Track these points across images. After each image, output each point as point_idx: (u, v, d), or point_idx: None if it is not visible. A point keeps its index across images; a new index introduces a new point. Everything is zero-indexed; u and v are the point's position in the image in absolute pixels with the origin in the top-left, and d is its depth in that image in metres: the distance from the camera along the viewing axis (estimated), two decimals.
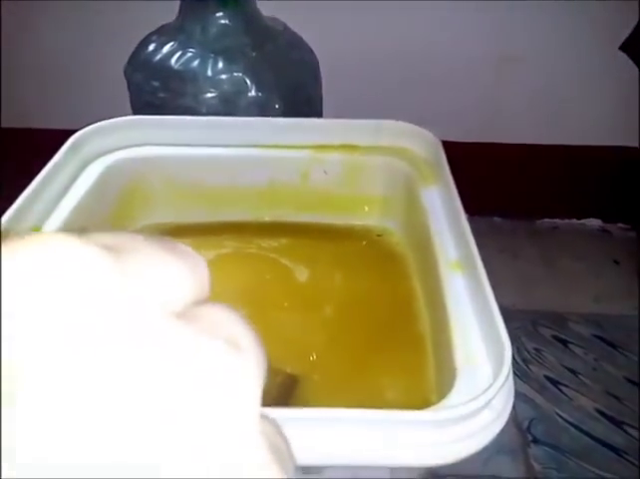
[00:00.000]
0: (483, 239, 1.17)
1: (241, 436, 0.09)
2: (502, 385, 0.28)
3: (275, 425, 0.12)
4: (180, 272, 0.11)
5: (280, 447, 0.11)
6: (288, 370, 0.37)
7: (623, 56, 0.88)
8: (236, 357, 0.10)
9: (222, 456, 0.09)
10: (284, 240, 0.56)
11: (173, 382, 0.09)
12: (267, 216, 0.57)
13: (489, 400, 0.28)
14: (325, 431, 0.28)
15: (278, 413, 0.28)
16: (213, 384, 0.09)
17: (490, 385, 0.27)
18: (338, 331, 0.46)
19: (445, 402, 0.29)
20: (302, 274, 0.52)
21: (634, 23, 0.85)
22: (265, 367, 0.11)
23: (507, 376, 0.28)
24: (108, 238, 0.10)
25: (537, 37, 0.94)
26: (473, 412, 0.27)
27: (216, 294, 0.41)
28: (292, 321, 0.46)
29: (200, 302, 0.11)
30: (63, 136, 0.50)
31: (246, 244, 0.55)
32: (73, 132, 0.50)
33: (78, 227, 0.45)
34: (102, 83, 0.91)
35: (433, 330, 0.43)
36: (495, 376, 0.28)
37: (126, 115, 0.55)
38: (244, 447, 0.09)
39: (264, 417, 0.11)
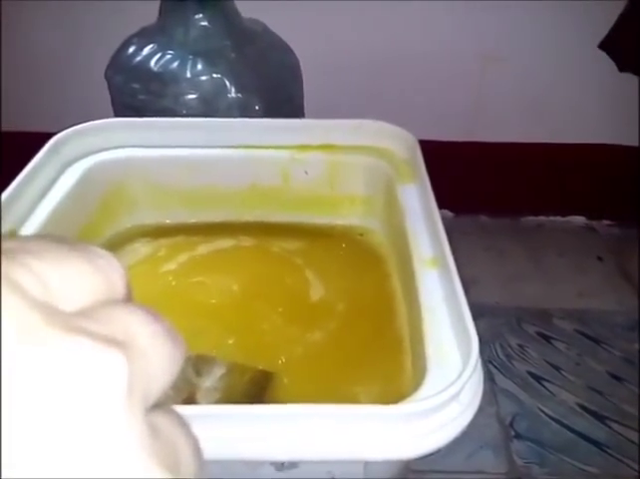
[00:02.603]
0: (469, 238, 1.17)
1: (101, 426, 0.10)
2: (470, 378, 0.28)
3: (178, 421, 0.12)
4: (81, 272, 0.12)
5: (174, 443, 0.11)
6: (260, 367, 0.38)
7: (605, 54, 0.89)
8: (106, 354, 0.10)
9: (80, 446, 0.10)
10: (266, 240, 0.56)
11: (27, 373, 0.09)
12: (249, 216, 0.57)
13: (457, 393, 0.28)
14: (298, 427, 0.29)
15: (250, 410, 0.29)
16: (70, 378, 0.10)
17: (458, 378, 0.28)
18: (317, 331, 0.47)
19: (415, 396, 0.29)
20: (283, 274, 0.52)
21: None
22: (174, 365, 0.12)
23: (474, 369, 0.29)
24: (8, 243, 0.11)
25: (521, 37, 0.95)
26: (441, 404, 0.28)
27: (203, 290, 0.41)
28: (270, 319, 0.47)
29: (111, 301, 0.12)
30: (44, 138, 0.50)
31: (228, 244, 0.56)
32: (54, 134, 0.50)
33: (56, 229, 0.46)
34: (83, 85, 0.91)
35: (410, 329, 0.43)
36: (463, 369, 0.29)
37: (108, 117, 0.55)
38: (105, 435, 0.10)
39: (161, 412, 0.11)
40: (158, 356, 0.11)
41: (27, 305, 0.10)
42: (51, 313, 0.10)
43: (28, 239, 0.12)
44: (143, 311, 0.12)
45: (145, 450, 0.10)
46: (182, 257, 0.53)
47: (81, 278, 0.11)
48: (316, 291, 0.51)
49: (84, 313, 0.11)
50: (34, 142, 0.49)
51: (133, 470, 0.10)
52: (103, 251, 0.12)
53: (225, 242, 0.56)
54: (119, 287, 0.12)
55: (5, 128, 0.95)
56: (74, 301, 0.11)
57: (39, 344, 0.10)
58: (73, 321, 0.10)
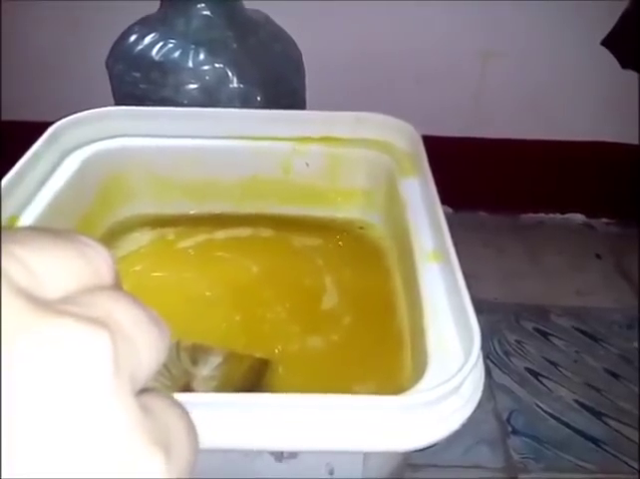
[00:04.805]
0: (469, 234, 1.17)
1: (89, 403, 0.10)
2: (471, 371, 0.28)
3: (170, 402, 0.12)
4: (66, 258, 0.12)
5: (166, 422, 0.11)
6: (258, 355, 0.38)
7: (605, 51, 0.89)
8: (90, 332, 0.10)
9: (69, 424, 0.10)
10: (266, 233, 0.56)
11: (10, 358, 0.09)
12: (249, 207, 0.57)
13: (459, 385, 0.28)
14: (298, 417, 0.29)
15: (249, 399, 0.29)
16: (55, 358, 0.10)
17: (459, 371, 0.28)
18: (318, 324, 0.47)
19: (415, 388, 0.29)
20: (283, 266, 0.52)
21: (616, 19, 0.86)
22: (159, 352, 0.12)
23: (476, 362, 0.28)
24: None
25: (521, 32, 0.94)
26: (442, 397, 0.27)
27: (222, 264, 0.42)
28: (273, 312, 0.46)
29: (95, 288, 0.12)
30: (44, 127, 0.49)
31: (229, 236, 0.56)
32: (54, 123, 0.50)
33: (56, 216, 0.45)
34: (84, 74, 0.90)
35: (411, 323, 0.43)
36: (465, 362, 0.29)
37: (108, 106, 0.54)
38: (95, 412, 0.10)
39: (152, 394, 0.12)
40: (142, 341, 0.11)
41: (10, 291, 0.10)
42: (34, 298, 0.10)
43: (15, 229, 0.12)
44: (127, 298, 0.12)
45: (135, 426, 0.10)
46: (200, 238, 0.54)
47: (66, 265, 0.12)
48: (314, 285, 0.51)
49: (67, 299, 0.11)
50: (34, 131, 0.49)
51: (123, 446, 0.10)
52: (91, 241, 0.13)
53: (220, 235, 0.56)
54: (105, 276, 0.12)
55: (5, 117, 0.94)
56: (58, 287, 0.11)
57: (22, 328, 0.10)
58: (56, 305, 0.11)
